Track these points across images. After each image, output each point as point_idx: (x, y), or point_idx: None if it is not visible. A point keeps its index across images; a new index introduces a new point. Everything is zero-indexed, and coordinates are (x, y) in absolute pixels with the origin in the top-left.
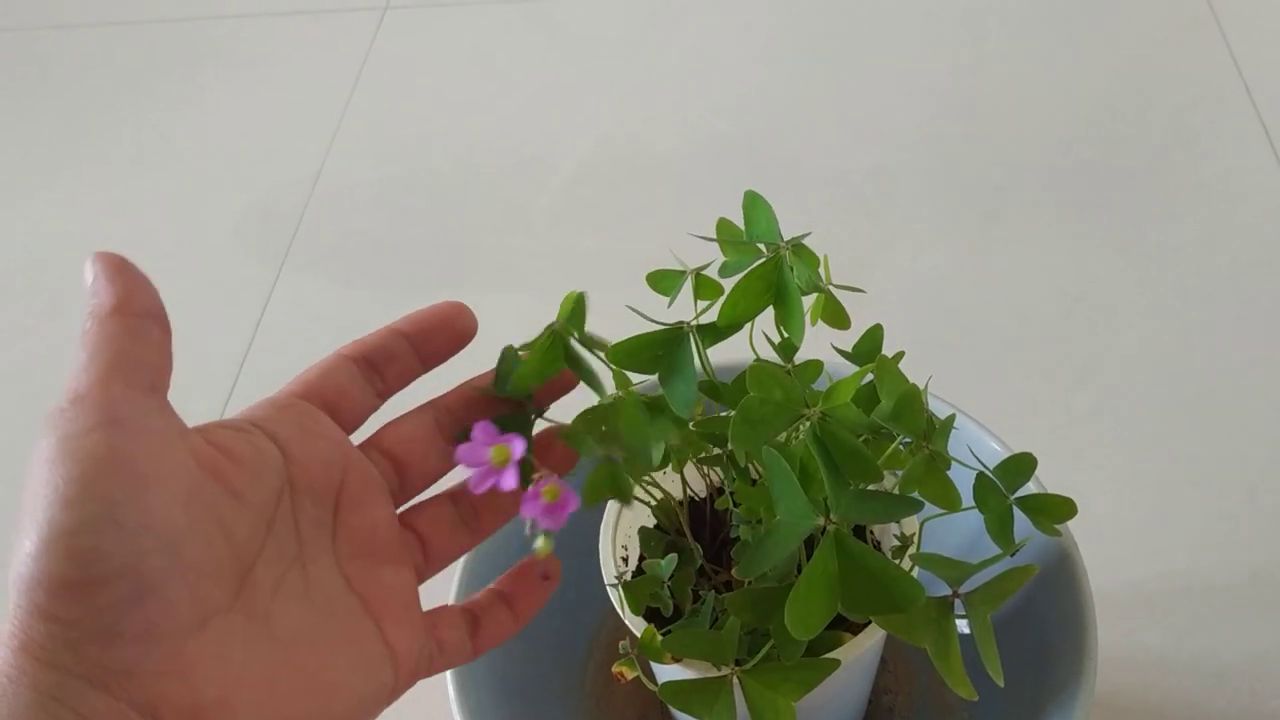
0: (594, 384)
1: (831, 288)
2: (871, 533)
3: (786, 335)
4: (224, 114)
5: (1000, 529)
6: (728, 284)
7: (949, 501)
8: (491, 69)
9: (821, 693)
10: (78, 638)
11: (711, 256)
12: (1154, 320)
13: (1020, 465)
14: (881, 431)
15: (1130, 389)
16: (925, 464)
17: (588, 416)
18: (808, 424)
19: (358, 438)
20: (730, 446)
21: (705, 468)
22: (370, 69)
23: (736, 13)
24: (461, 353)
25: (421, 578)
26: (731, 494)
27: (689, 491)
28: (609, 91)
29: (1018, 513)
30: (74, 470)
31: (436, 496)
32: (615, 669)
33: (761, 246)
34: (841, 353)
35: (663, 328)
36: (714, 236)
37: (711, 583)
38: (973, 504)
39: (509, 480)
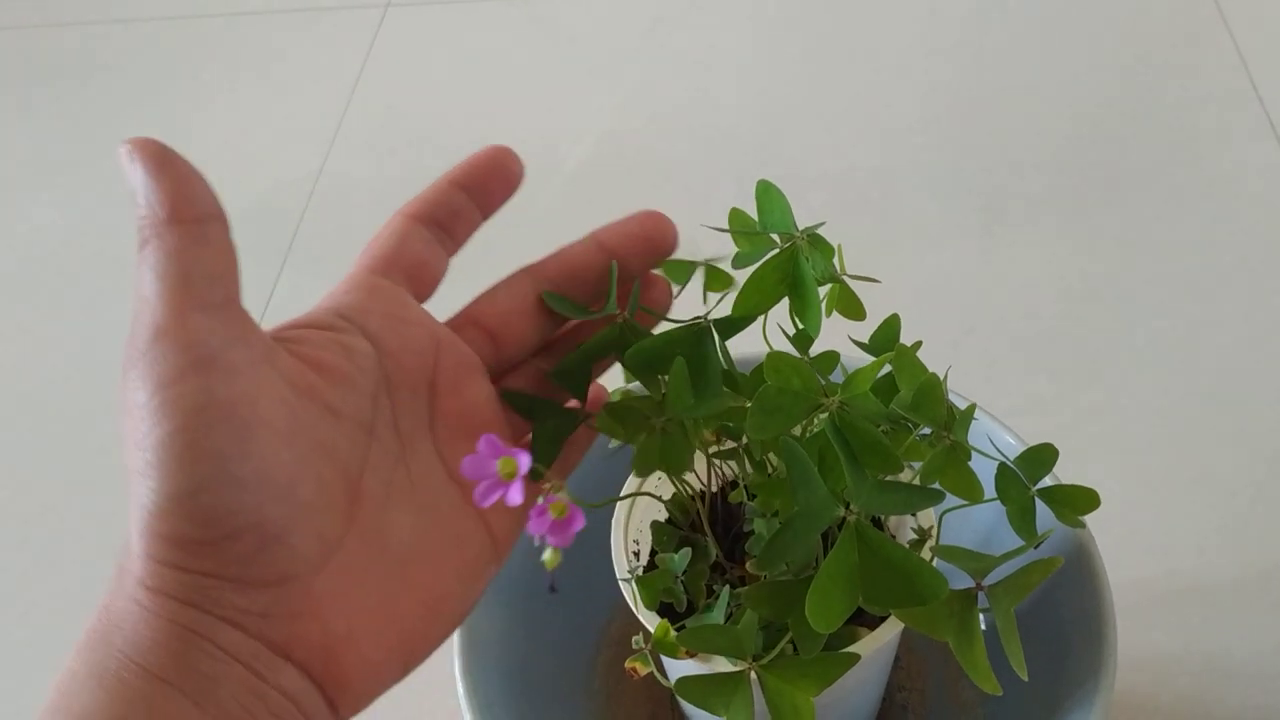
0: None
1: (846, 278)
2: (887, 525)
3: (802, 327)
4: (224, 112)
5: (1022, 521)
6: (739, 276)
7: (971, 492)
8: (492, 68)
9: (839, 688)
10: (210, 585)
11: (711, 254)
12: (1162, 318)
13: (1041, 456)
14: (900, 423)
15: (1138, 387)
16: (946, 454)
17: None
18: (826, 414)
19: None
20: (745, 438)
21: (718, 461)
22: (371, 68)
23: (739, 10)
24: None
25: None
26: (746, 487)
27: (702, 485)
28: (611, 90)
29: (1035, 505)
30: (177, 423)
31: (531, 361)
32: (628, 664)
33: (775, 237)
34: (858, 344)
35: (681, 325)
36: (726, 228)
37: (726, 577)
38: (994, 495)
39: (515, 495)
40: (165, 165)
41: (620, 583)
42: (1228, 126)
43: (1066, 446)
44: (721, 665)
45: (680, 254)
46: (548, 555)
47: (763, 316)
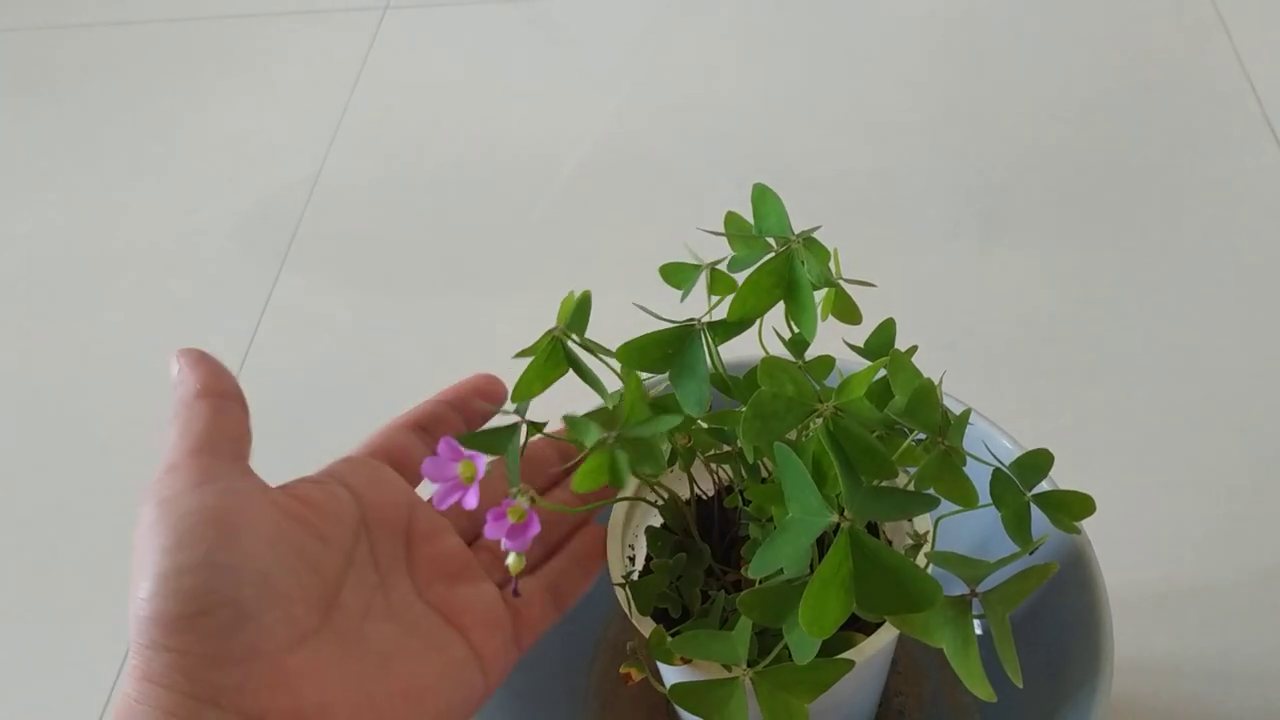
0: (597, 387)
1: (842, 282)
2: (883, 531)
3: (797, 330)
4: (224, 114)
5: (1018, 526)
6: (736, 279)
7: (966, 498)
8: (491, 69)
9: (834, 694)
10: (191, 664)
11: (712, 256)
12: (1160, 321)
13: (1036, 461)
14: (895, 428)
15: (1136, 390)
16: (941, 460)
17: (593, 417)
18: (820, 419)
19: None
20: (740, 443)
21: (714, 465)
22: (370, 69)
23: (738, 13)
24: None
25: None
26: (741, 492)
27: (697, 490)
28: (610, 92)
29: (1031, 511)
30: (174, 525)
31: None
32: (623, 670)
33: (771, 241)
34: (853, 348)
35: (673, 325)
36: (722, 231)
37: (720, 583)
38: (989, 501)
39: (471, 499)
40: (201, 360)
41: (614, 588)
42: (1226, 128)
43: (1064, 450)
44: (716, 671)
45: (683, 257)
46: (511, 560)
47: (758, 320)
